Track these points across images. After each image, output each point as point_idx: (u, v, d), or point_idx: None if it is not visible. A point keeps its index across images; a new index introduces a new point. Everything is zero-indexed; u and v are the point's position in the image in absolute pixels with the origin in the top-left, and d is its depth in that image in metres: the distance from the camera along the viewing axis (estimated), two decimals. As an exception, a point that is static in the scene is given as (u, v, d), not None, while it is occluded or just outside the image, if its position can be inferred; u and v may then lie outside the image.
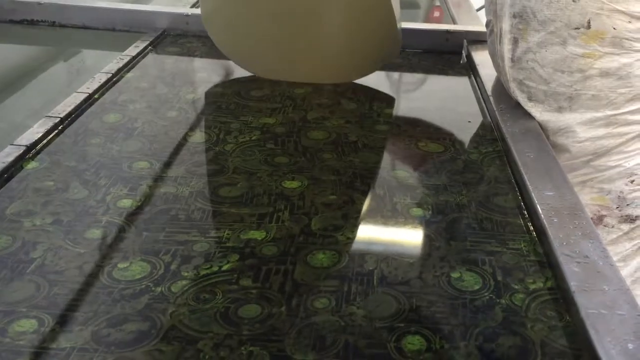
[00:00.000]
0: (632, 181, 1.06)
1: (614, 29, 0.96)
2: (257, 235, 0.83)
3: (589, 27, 0.98)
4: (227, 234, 0.83)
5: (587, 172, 1.07)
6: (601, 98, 1.03)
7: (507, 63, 1.10)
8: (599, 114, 1.04)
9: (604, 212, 1.08)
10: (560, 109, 1.06)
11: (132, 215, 0.86)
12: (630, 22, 0.95)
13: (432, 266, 0.79)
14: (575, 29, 0.99)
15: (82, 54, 1.69)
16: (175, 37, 1.52)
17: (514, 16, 1.06)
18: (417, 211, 0.90)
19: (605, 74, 1.01)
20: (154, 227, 0.84)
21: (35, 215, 0.85)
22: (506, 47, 1.09)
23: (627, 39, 0.97)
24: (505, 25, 1.08)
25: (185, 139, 1.07)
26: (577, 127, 1.05)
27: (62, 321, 0.67)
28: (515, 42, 1.07)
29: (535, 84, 1.07)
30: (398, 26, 1.15)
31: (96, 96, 1.19)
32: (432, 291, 0.74)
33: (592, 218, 1.07)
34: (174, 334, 0.66)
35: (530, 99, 1.09)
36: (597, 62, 1.00)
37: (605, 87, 1.01)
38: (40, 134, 1.02)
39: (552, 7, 1.00)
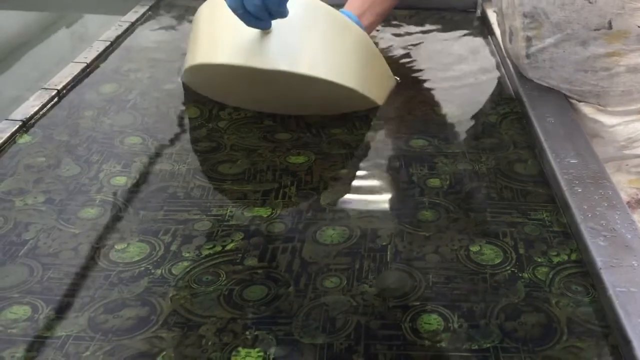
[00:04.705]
0: None
1: (639, 27, 0.93)
2: (263, 212, 0.81)
3: (610, 27, 0.94)
4: (230, 211, 0.81)
5: (622, 157, 1.05)
6: (632, 92, 1.00)
7: (523, 61, 1.06)
8: (632, 107, 1.01)
9: None
10: (587, 105, 1.03)
11: (127, 194, 0.84)
12: None
13: (449, 239, 0.77)
14: (595, 30, 0.95)
15: (83, 20, 1.67)
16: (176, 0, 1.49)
17: (525, 15, 1.01)
18: (435, 182, 0.88)
19: (633, 69, 0.97)
20: (152, 205, 0.82)
21: (27, 193, 0.83)
22: (520, 45, 1.05)
23: None
24: (517, 23, 1.04)
25: (178, 113, 1.05)
26: (607, 114, 1.03)
27: (57, 307, 0.66)
28: (528, 40, 1.03)
29: (556, 82, 1.04)
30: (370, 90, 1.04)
31: (94, 66, 1.18)
32: (450, 266, 0.73)
33: (629, 202, 1.05)
34: (174, 320, 0.65)
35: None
36: (623, 59, 0.96)
37: (636, 82, 0.98)
38: (37, 108, 1.01)
39: (567, 9, 0.95)
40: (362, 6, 1.17)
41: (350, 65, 0.98)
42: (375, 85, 1.04)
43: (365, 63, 1.01)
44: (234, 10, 0.85)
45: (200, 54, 0.97)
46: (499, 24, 1.15)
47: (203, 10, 1.02)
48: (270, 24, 0.88)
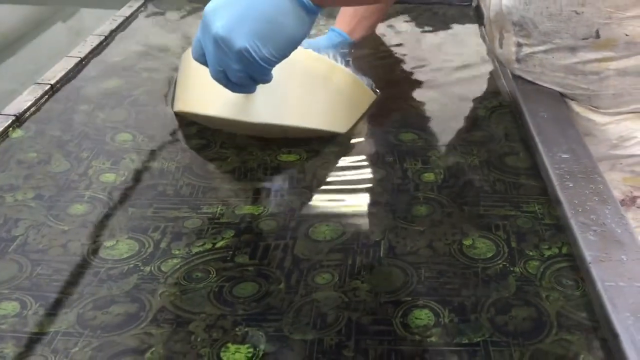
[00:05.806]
0: None
1: (627, 35, 0.93)
2: (254, 210, 0.82)
3: (598, 37, 0.94)
4: (221, 209, 0.82)
5: (615, 156, 1.05)
6: (623, 95, 1.00)
7: (514, 65, 1.07)
8: (624, 109, 1.02)
9: (637, 194, 1.06)
10: (579, 104, 1.04)
11: (117, 191, 0.85)
12: None
13: (443, 234, 0.78)
14: (584, 39, 0.96)
15: (80, 14, 1.68)
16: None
17: (514, 24, 1.02)
18: (429, 176, 0.89)
19: (623, 73, 0.98)
20: (141, 203, 0.83)
21: (17, 189, 0.85)
22: (510, 49, 1.06)
23: None
24: (507, 28, 1.04)
25: (169, 110, 1.05)
26: (599, 113, 1.03)
27: (46, 303, 0.67)
28: (519, 45, 1.04)
29: (548, 85, 1.05)
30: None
31: (87, 60, 1.19)
32: (442, 261, 0.74)
33: (623, 199, 1.05)
34: (164, 316, 0.65)
35: None
36: (612, 64, 0.97)
37: (626, 85, 0.99)
38: (30, 102, 1.02)
39: (554, 20, 0.96)
40: (352, 22, 1.20)
41: (336, 108, 1.00)
42: (356, 116, 1.05)
43: (350, 101, 1.03)
44: (218, 81, 0.82)
45: (191, 102, 0.99)
46: (487, 33, 1.16)
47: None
48: (255, 89, 0.86)
